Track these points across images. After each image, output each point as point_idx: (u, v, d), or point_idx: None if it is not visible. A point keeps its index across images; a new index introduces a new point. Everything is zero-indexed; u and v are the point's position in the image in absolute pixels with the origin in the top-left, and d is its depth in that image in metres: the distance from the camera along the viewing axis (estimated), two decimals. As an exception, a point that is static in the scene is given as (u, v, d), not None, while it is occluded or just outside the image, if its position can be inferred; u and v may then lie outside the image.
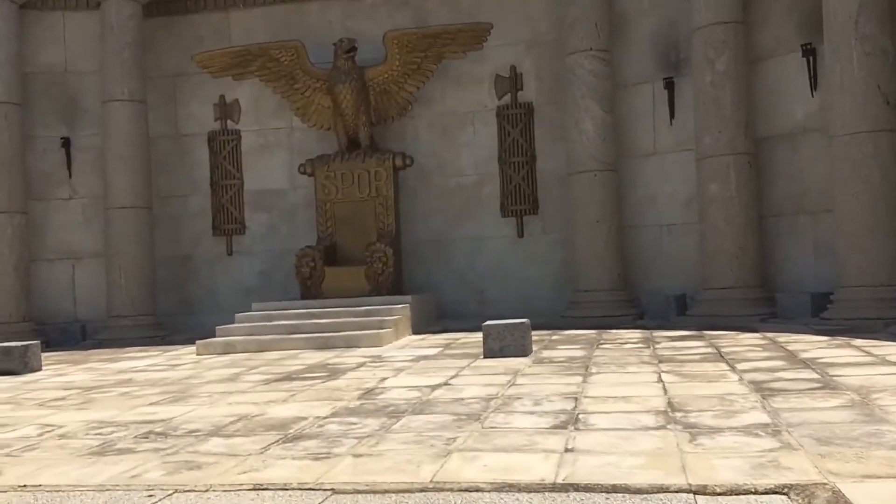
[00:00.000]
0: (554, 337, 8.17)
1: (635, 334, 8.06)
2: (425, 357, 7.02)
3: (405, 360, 6.86)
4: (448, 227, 11.46)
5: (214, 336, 8.91)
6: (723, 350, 6.43)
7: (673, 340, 7.33)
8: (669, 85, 9.98)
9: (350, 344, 8.20)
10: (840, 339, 6.58)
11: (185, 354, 8.47)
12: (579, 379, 5.31)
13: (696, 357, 6.10)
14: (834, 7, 7.76)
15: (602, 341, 7.57)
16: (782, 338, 6.97)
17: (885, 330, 7.06)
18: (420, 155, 11.17)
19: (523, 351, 6.67)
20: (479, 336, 8.55)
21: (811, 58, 8.78)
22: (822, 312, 8.09)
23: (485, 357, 6.69)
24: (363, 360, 7.06)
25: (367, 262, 10.10)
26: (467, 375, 5.75)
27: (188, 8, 12.14)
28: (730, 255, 8.85)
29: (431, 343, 8.22)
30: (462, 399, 4.75)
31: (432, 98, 11.38)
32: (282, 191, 11.96)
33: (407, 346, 8.00)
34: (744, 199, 8.89)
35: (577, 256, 10.01)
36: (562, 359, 6.42)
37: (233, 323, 9.38)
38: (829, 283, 8.74)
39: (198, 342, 8.49)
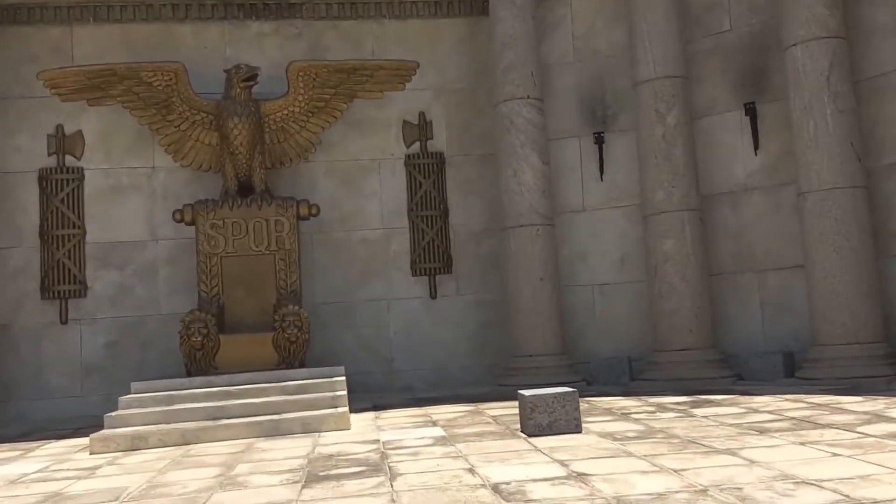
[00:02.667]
0: (545, 409, 7.07)
1: (629, 402, 7.24)
2: (443, 439, 5.62)
3: (425, 445, 5.42)
4: (351, 288, 10.02)
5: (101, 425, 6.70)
6: (787, 415, 5.80)
7: (693, 407, 6.60)
8: (599, 140, 9.60)
9: (309, 428, 6.49)
10: (882, 400, 6.25)
11: (67, 453, 6.20)
12: (734, 459, 4.33)
13: (784, 426, 5.39)
14: (803, 65, 7.81)
15: (620, 410, 6.65)
16: (814, 399, 6.53)
17: (889, 388, 6.91)
18: (319, 205, 9.66)
19: (577, 426, 5.55)
20: (441, 410, 7.29)
21: (753, 117, 8.84)
22: (798, 372, 7.88)
23: (531, 434, 5.46)
24: (367, 447, 5.49)
25: (277, 327, 8.36)
26: (573, 461, 4.52)
27: (17, 18, 9.78)
28: (689, 315, 8.43)
29: (403, 422, 6.76)
30: (665, 495, 3.57)
31: (332, 142, 10.01)
32: (139, 243, 9.79)
33: (386, 428, 6.48)
34: (699, 256, 8.59)
35: (516, 318, 9.07)
36: (632, 434, 5.40)
37: (117, 409, 7.19)
38: (778, 343, 8.66)
39: (92, 437, 6.26)
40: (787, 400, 6.62)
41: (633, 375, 8.87)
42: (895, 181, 7.89)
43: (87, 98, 9.12)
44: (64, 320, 9.50)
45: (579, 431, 5.52)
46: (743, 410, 6.20)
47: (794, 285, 8.51)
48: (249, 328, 8.63)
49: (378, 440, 5.79)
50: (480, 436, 5.68)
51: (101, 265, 9.67)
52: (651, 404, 6.92)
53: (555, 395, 5.53)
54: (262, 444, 6.02)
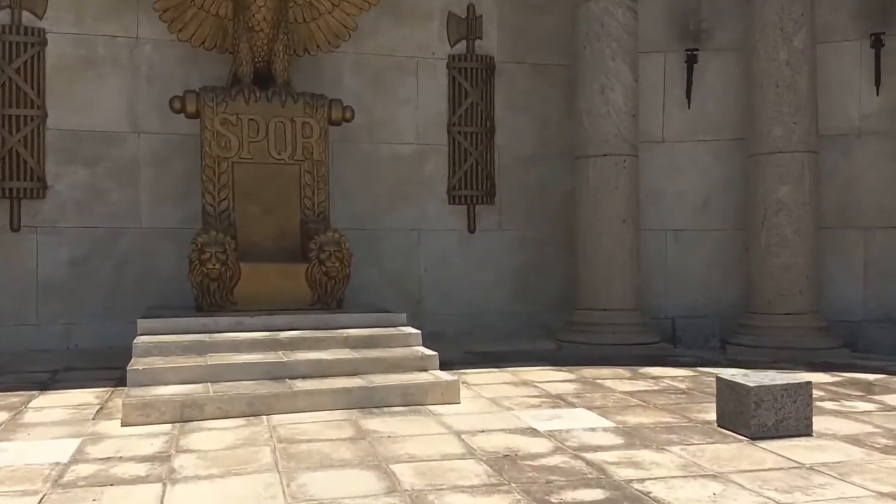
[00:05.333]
0: (683, 384, 5.81)
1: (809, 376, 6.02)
2: (627, 434, 4.23)
3: (619, 446, 4.01)
4: (377, 213, 8.32)
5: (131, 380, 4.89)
6: None
7: (868, 392, 5.47)
8: (691, 59, 8.18)
9: (411, 400, 4.93)
10: None
11: (82, 420, 4.42)
12: None
13: None
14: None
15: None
16: None
17: None
18: (344, 108, 7.83)
19: (807, 427, 4.27)
20: (535, 376, 5.88)
21: (878, 50, 7.64)
22: (924, 347, 6.93)
23: (754, 437, 4.14)
24: (541, 444, 4.03)
25: (314, 258, 6.65)
26: (910, 495, 3.23)
27: None
28: (800, 275, 7.29)
29: (513, 394, 5.32)
30: None
31: (361, 30, 8.03)
32: (116, 135, 7.71)
33: (508, 405, 5.00)
34: (814, 207, 7.41)
35: (589, 265, 7.66)
36: (882, 437, 4.17)
37: (141, 353, 5.36)
38: (881, 310, 7.70)
39: (127, 402, 4.43)
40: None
41: (722, 339, 7.71)
42: None
43: (64, -64, 6.86)
44: (16, 227, 7.39)
45: (810, 434, 4.25)
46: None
47: (907, 248, 7.53)
48: (268, 256, 6.87)
49: (535, 429, 4.33)
50: (672, 431, 4.33)
51: (66, 159, 7.56)
52: (870, 384, 5.75)
53: (784, 388, 4.21)
54: (368, 422, 4.42)
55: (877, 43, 7.62)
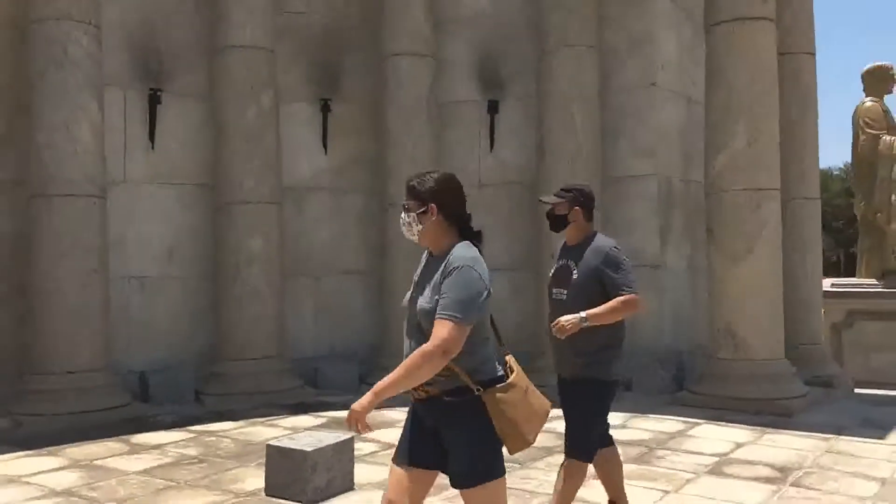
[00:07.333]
0: (184, 450, 5.50)
1: (272, 430, 6.15)
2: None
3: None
4: None
5: None
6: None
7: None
8: (154, 99, 7.82)
9: None
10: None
11: None
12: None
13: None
14: (407, 75, 7.95)
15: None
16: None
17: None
18: None
19: (351, 481, 4.50)
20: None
21: (325, 114, 8.53)
22: (370, 379, 7.92)
23: (311, 503, 4.21)
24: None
25: None
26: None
27: None
28: (270, 321, 7.60)
29: (9, 496, 4.36)
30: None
31: None
32: None
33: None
34: (280, 256, 7.83)
35: (51, 322, 6.61)
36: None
37: None
38: (329, 347, 8.54)
39: None
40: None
41: (196, 390, 7.51)
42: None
43: None
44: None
45: (353, 487, 4.51)
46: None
47: (349, 293, 8.58)
48: None
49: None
50: (232, 511, 4.11)
51: None
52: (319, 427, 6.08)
53: (335, 447, 4.38)
54: None
55: (325, 108, 8.49)
